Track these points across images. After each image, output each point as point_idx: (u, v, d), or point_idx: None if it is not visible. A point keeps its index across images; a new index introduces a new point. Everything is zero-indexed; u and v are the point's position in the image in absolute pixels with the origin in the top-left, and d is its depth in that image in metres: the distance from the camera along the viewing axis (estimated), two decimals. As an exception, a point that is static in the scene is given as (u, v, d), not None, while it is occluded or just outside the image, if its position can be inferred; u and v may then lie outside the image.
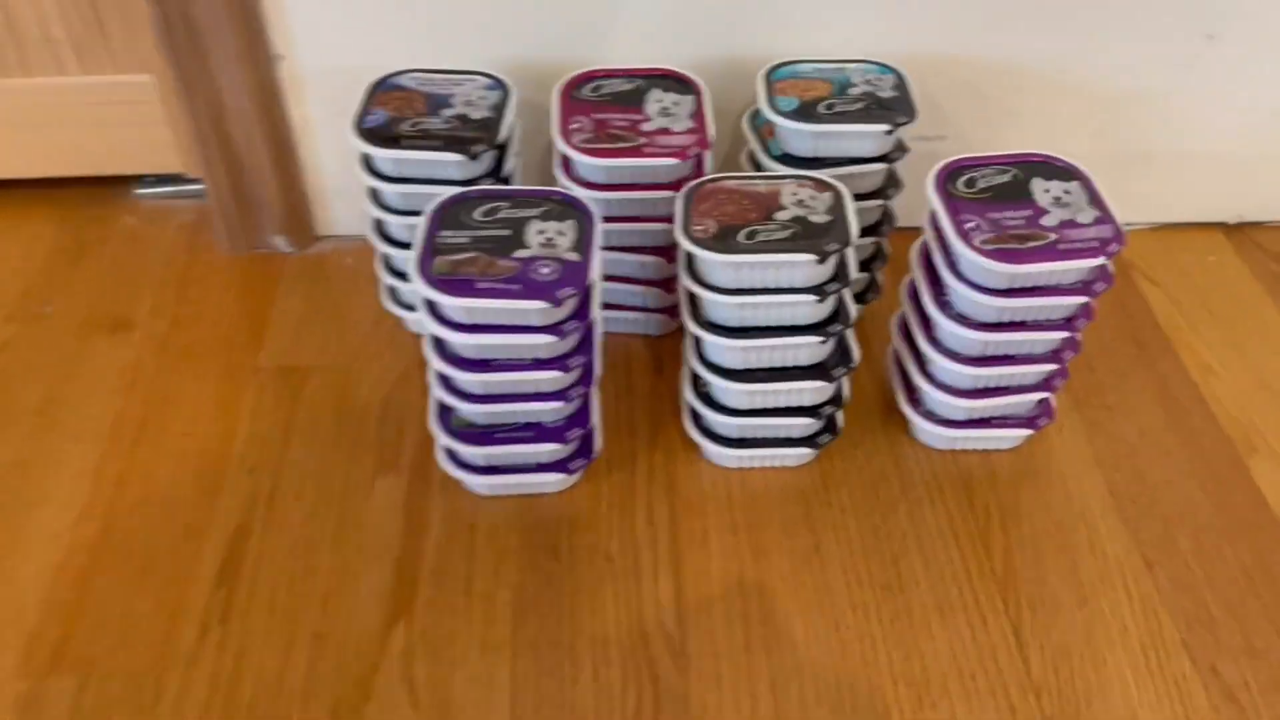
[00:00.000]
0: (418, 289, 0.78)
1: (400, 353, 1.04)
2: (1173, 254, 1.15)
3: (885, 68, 0.99)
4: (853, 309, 0.86)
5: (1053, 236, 0.81)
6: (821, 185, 0.86)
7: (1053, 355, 0.88)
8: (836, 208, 0.84)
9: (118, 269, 1.13)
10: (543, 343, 0.80)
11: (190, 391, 1.00)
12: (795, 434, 0.91)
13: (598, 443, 0.91)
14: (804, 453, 0.92)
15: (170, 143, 1.16)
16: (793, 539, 0.88)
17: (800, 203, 0.84)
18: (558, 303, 0.77)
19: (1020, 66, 1.06)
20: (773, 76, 0.98)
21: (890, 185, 0.98)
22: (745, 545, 0.88)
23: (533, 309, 0.77)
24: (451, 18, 1.01)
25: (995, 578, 0.85)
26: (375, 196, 0.97)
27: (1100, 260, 0.80)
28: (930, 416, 0.93)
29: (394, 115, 0.94)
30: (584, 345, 0.83)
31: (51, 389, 1.00)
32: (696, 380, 0.91)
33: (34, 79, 1.12)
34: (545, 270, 0.78)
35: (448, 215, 0.83)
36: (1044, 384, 0.91)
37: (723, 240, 0.81)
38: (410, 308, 1.04)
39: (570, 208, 0.83)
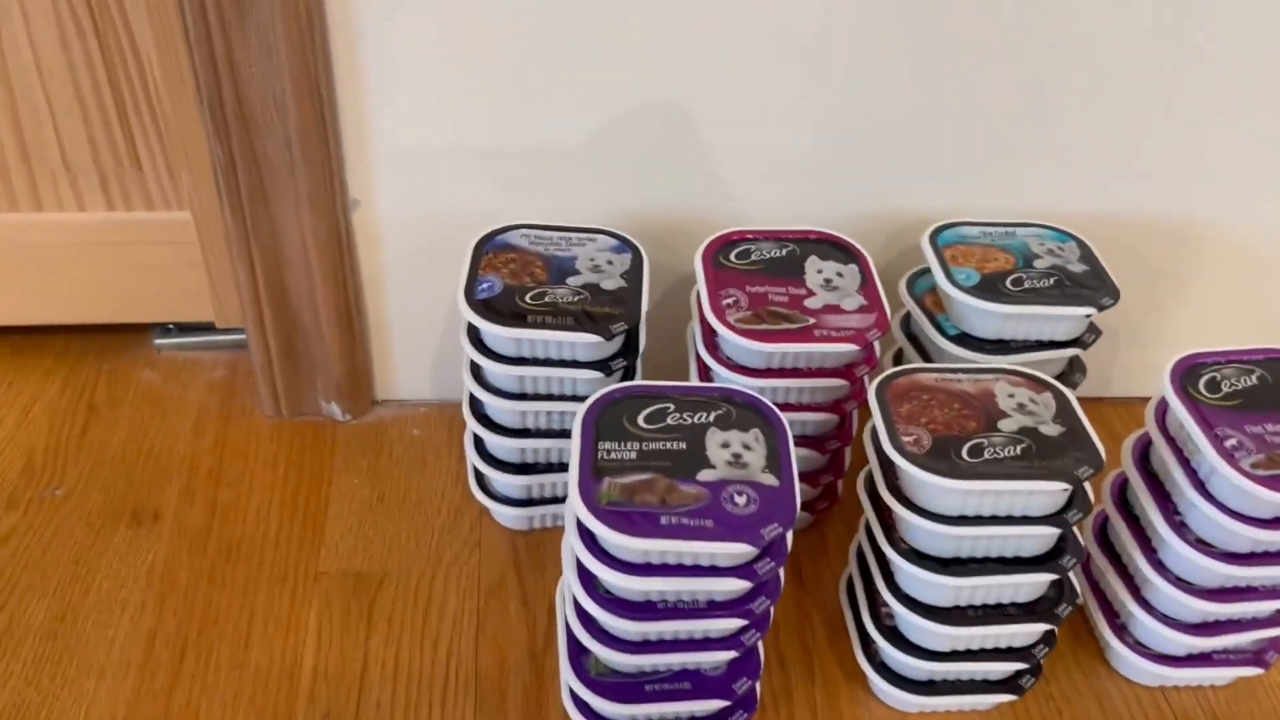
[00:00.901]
0: (581, 518, 0.62)
1: (491, 553, 0.87)
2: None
3: (1063, 234, 0.87)
4: (1082, 539, 0.71)
5: (1333, 459, 0.68)
6: (1038, 384, 0.73)
7: (1302, 587, 0.75)
8: (1065, 414, 0.70)
9: (138, 439, 0.95)
10: (729, 588, 0.64)
11: (239, 605, 0.82)
12: (994, 677, 0.76)
13: (760, 691, 0.74)
14: (1003, 699, 0.77)
15: (202, 288, 0.99)
16: (1001, 812, 0.72)
17: (1021, 407, 0.70)
18: (761, 544, 0.61)
19: (1184, 230, 0.94)
20: (938, 241, 0.85)
21: (1076, 370, 0.85)
22: (947, 822, 0.72)
23: (730, 553, 0.61)
24: (556, 164, 0.86)
25: None
26: (477, 374, 0.81)
27: (1393, 490, 0.67)
28: (1140, 649, 0.79)
29: (511, 283, 0.78)
30: (769, 585, 0.67)
31: (63, 602, 0.81)
32: (876, 610, 0.75)
33: (46, 214, 0.95)
34: (740, 500, 0.62)
35: (605, 421, 0.67)
36: (1283, 617, 0.77)
37: (944, 458, 0.66)
38: (504, 500, 0.87)
39: (753, 412, 0.68)
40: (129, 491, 0.90)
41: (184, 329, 1.05)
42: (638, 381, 0.71)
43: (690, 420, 0.67)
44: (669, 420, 0.67)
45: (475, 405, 0.84)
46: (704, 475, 0.64)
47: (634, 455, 0.65)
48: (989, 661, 0.74)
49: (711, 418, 0.68)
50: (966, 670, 0.75)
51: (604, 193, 0.88)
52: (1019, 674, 0.76)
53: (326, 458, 0.95)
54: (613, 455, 0.65)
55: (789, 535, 0.65)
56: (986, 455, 0.67)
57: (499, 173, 0.86)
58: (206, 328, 1.04)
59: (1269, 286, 0.98)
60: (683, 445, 0.66)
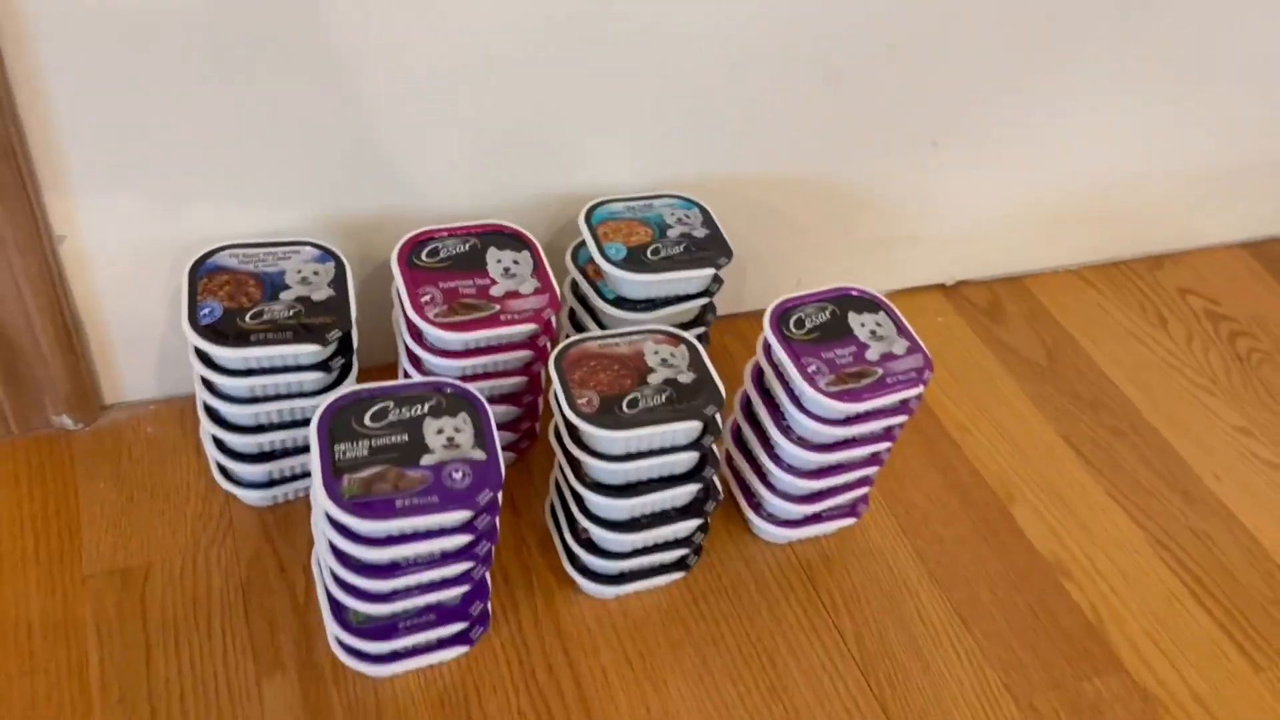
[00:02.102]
0: (330, 513, 0.77)
1: (243, 531, 1.00)
2: (910, 319, 1.34)
3: (688, 202, 1.08)
4: (720, 453, 0.94)
5: (880, 371, 0.94)
6: (674, 339, 0.94)
7: (873, 458, 1.02)
8: (696, 363, 0.92)
9: None
10: (457, 543, 0.81)
11: (13, 620, 0.90)
12: (667, 561, 0.99)
13: (491, 607, 0.93)
14: (676, 577, 1.00)
15: (-97, 322, 1.01)
16: (682, 660, 0.96)
17: (664, 361, 0.91)
18: (478, 509, 0.79)
19: (785, 180, 1.18)
20: (592, 220, 1.03)
21: (708, 312, 1.07)
22: (643, 676, 0.95)
23: (455, 519, 0.79)
24: (250, 179, 0.96)
25: (855, 661, 0.99)
26: (209, 386, 0.92)
27: (919, 390, 0.94)
28: (771, 519, 1.05)
29: (230, 306, 0.89)
30: (488, 532, 0.85)
31: None
32: (575, 528, 0.96)
33: None
34: (457, 475, 0.80)
35: (336, 426, 0.81)
36: (865, 481, 1.05)
37: (610, 414, 0.86)
38: (249, 485, 0.99)
39: (459, 399, 0.85)
40: (-128, 533, 0.94)
41: (-115, 360, 1.06)
42: (358, 386, 0.85)
43: (409, 415, 0.83)
44: (391, 417, 0.83)
45: (211, 411, 0.95)
46: (426, 460, 0.80)
47: (366, 452, 0.80)
48: (661, 553, 0.97)
49: (426, 409, 0.84)
50: (646, 561, 0.97)
51: (301, 199, 0.99)
52: (685, 556, 1.00)
53: (68, 468, 1.02)
54: (348, 455, 0.80)
55: (498, 494, 0.83)
56: (641, 406, 0.87)
57: (194, 194, 0.95)
58: (-90, 356, 1.06)
59: (848, 216, 1.25)
60: (405, 437, 0.81)
